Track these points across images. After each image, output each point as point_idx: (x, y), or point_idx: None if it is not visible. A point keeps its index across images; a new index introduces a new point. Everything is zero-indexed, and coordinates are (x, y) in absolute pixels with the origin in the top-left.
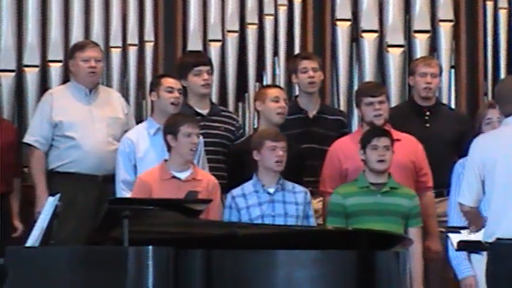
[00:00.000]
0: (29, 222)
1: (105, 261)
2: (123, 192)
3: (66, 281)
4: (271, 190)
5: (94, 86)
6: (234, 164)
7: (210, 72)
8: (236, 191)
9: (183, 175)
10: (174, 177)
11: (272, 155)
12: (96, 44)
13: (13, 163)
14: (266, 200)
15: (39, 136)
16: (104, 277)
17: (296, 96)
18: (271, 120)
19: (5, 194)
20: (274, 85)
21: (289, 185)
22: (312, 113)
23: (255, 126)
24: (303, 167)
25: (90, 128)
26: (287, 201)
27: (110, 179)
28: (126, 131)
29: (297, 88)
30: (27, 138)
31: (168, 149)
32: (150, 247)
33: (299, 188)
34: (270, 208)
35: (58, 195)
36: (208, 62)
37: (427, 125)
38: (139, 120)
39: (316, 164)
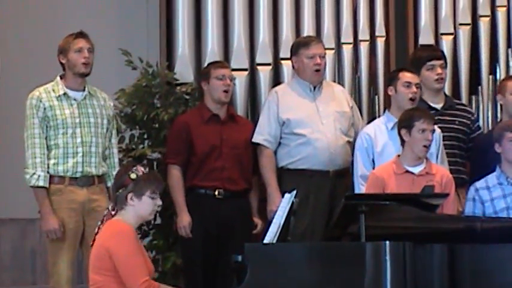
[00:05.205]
0: (266, 219)
1: (343, 256)
2: (361, 187)
3: (305, 276)
4: None
5: (319, 83)
6: (477, 157)
7: (444, 67)
8: (480, 184)
9: (416, 169)
10: (407, 171)
11: None
12: (320, 40)
13: (251, 160)
14: (511, 192)
15: (268, 135)
16: (341, 273)
17: None
18: (511, 114)
19: (245, 191)
20: None
21: None
22: None
23: (489, 118)
24: None
25: (318, 124)
26: None
27: (341, 173)
28: (352, 124)
29: None
30: (256, 138)
31: (401, 143)
32: (388, 242)
33: None
34: None
35: (294, 192)
36: (442, 56)
37: None
38: (372, 115)
39: None
